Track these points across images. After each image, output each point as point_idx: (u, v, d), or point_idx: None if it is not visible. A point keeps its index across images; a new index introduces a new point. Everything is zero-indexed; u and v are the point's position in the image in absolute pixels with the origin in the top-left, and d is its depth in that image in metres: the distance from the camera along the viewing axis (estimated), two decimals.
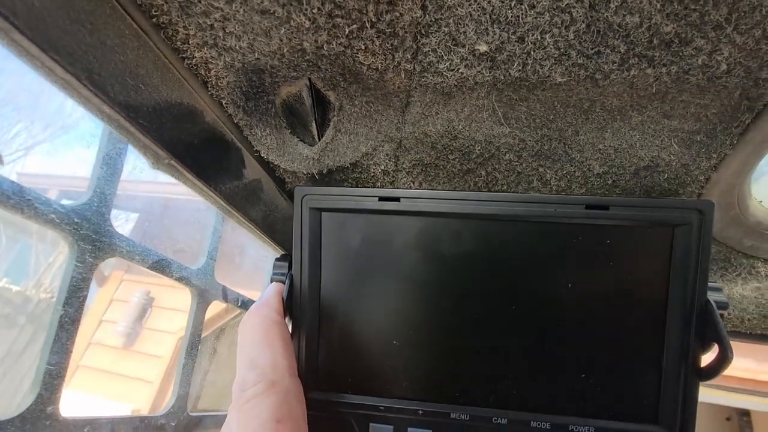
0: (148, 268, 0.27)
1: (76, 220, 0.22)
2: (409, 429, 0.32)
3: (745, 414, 3.82)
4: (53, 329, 0.19)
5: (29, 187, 0.20)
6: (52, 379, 0.20)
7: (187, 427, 0.31)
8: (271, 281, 0.33)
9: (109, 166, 0.24)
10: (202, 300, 0.31)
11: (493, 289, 0.32)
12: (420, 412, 0.32)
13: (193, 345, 0.30)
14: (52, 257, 4.75)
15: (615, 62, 0.22)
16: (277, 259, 0.34)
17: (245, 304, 0.42)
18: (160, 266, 0.28)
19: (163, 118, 0.24)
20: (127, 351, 3.02)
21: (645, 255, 0.29)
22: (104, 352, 2.95)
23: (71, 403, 2.80)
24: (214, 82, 0.26)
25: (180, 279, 0.30)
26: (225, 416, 0.41)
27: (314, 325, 0.33)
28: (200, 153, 0.28)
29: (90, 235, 0.23)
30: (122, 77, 0.20)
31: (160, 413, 0.27)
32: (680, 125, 0.26)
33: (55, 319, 0.20)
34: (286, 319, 0.32)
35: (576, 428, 0.31)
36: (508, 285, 0.32)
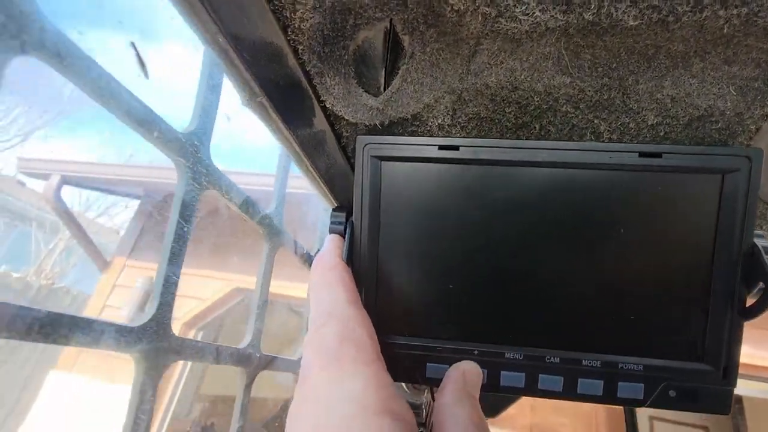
0: (238, 207, 0.28)
1: (195, 143, 0.23)
2: None
3: (737, 401, 3.92)
4: (169, 242, 0.21)
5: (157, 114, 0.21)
6: (170, 286, 0.21)
7: (265, 361, 0.32)
8: (329, 230, 0.35)
9: (212, 95, 0.25)
10: (273, 246, 0.33)
11: (547, 234, 0.33)
12: (475, 352, 0.33)
13: (264, 290, 0.32)
14: (53, 243, 4.74)
15: (689, 3, 0.24)
16: (334, 209, 0.36)
17: (310, 259, 0.43)
18: (246, 206, 0.29)
19: (260, 54, 0.25)
20: None
21: (695, 200, 0.30)
22: None
23: (75, 387, 2.80)
24: (296, 25, 0.27)
25: (261, 221, 0.31)
26: (289, 360, 0.43)
27: (373, 270, 0.34)
28: (284, 96, 0.29)
29: (200, 161, 0.24)
30: (233, 7, 0.22)
31: (242, 345, 0.29)
32: (740, 71, 0.28)
33: (171, 233, 0.21)
34: (349, 263, 0.33)
35: (625, 366, 0.33)
36: (561, 230, 0.33)
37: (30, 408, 2.78)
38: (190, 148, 0.22)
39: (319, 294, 0.27)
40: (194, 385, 3.08)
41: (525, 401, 3.49)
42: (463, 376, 0.27)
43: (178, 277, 0.22)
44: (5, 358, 3.44)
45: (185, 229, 0.22)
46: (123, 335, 0.19)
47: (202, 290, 2.97)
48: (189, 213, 0.22)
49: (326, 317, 0.25)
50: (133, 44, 0.20)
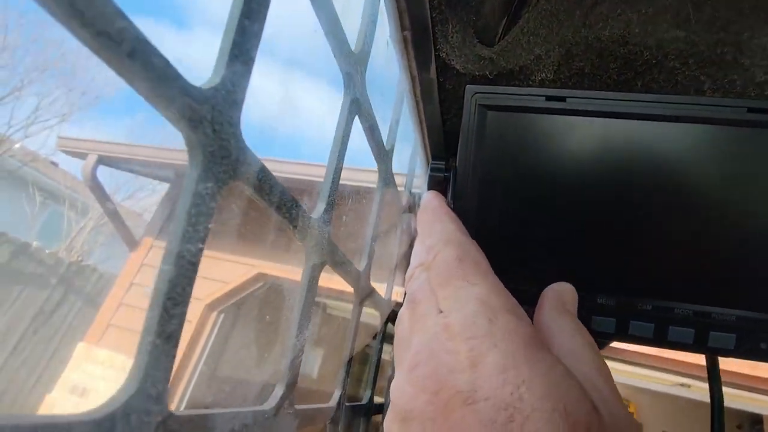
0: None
1: (361, 63, 0.24)
2: None
3: (757, 422, 3.80)
4: (338, 142, 0.23)
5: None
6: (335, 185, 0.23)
7: (370, 290, 0.34)
8: (429, 177, 0.36)
9: (374, 20, 0.27)
10: (386, 182, 0.34)
11: (651, 186, 0.34)
12: None
13: (376, 229, 0.34)
14: (83, 223, 4.91)
15: None
16: (434, 159, 0.38)
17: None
18: (380, 141, 0.30)
19: None
20: None
21: None
22: (134, 313, 3.05)
23: (101, 359, 2.88)
24: None
25: (382, 158, 0.32)
26: (381, 299, 0.45)
27: (473, 217, 0.36)
28: (419, 36, 0.31)
29: (360, 86, 0.26)
30: None
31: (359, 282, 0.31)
32: None
33: (338, 136, 0.23)
34: (453, 206, 0.35)
35: (718, 315, 0.33)
36: (666, 183, 0.34)
37: (59, 376, 2.89)
38: (362, 64, 0.25)
39: (433, 227, 0.29)
40: (211, 366, 3.14)
41: None
42: (559, 295, 0.28)
43: (340, 172, 0.24)
44: (36, 328, 3.57)
45: (350, 131, 0.24)
46: (314, 221, 0.22)
47: (227, 274, 3.03)
48: (354, 115, 0.24)
49: (443, 244, 0.26)
50: None
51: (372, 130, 0.30)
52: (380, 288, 0.49)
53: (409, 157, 0.44)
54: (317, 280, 0.22)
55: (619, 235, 0.35)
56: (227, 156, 0.13)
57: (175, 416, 0.13)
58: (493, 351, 0.18)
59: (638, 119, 0.34)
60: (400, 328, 0.25)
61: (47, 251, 4.00)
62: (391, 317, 0.47)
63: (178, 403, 2.85)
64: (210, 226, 0.13)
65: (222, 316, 3.18)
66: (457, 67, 0.38)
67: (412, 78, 0.33)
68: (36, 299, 3.74)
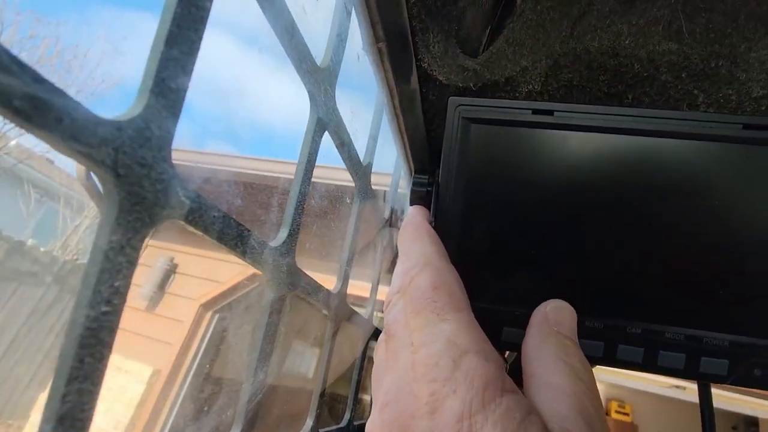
0: (346, 154, 0.27)
1: (331, 76, 0.22)
2: None
3: (753, 423, 3.81)
4: (303, 161, 0.21)
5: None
6: (299, 208, 0.21)
7: (350, 312, 0.33)
8: (411, 191, 0.35)
9: (345, 32, 0.24)
10: (363, 197, 0.32)
11: (642, 205, 0.33)
12: None
13: (354, 239, 0.32)
14: (79, 220, 4.88)
15: None
16: (417, 172, 0.36)
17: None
18: (354, 155, 0.29)
19: (385, 0, 0.26)
20: (149, 314, 3.11)
21: None
22: (128, 313, 3.03)
23: None
24: None
25: (361, 174, 0.30)
26: (363, 319, 0.44)
27: (456, 233, 0.35)
28: (396, 47, 0.30)
29: (331, 93, 0.24)
30: None
31: (335, 292, 0.30)
32: None
33: (305, 153, 0.21)
34: (434, 223, 0.34)
35: (710, 341, 0.32)
36: (657, 202, 0.33)
37: (52, 376, 2.87)
38: (327, 81, 0.23)
39: (412, 247, 0.28)
40: (205, 367, 3.13)
41: None
42: (546, 317, 0.27)
43: (304, 202, 0.23)
44: (31, 327, 3.56)
45: (315, 156, 0.23)
46: (275, 250, 0.20)
47: (221, 274, 3.02)
48: (318, 140, 0.23)
49: (420, 268, 0.25)
50: None
51: (345, 146, 0.29)
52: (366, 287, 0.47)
53: (393, 170, 0.43)
54: (279, 313, 0.21)
55: (608, 255, 0.33)
56: (139, 202, 0.11)
57: None
58: (452, 397, 0.18)
59: (628, 134, 0.32)
60: (376, 360, 0.25)
61: (42, 249, 3.98)
62: (375, 335, 0.45)
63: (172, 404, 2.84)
64: (121, 283, 0.11)
65: (217, 316, 3.17)
66: (440, 78, 0.36)
67: (391, 90, 0.32)
68: (31, 297, 3.72)
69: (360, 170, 0.31)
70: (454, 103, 0.34)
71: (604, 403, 3.74)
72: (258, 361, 0.20)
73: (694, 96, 0.35)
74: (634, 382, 3.08)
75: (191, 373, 2.98)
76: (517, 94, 0.38)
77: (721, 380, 0.32)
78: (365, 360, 0.42)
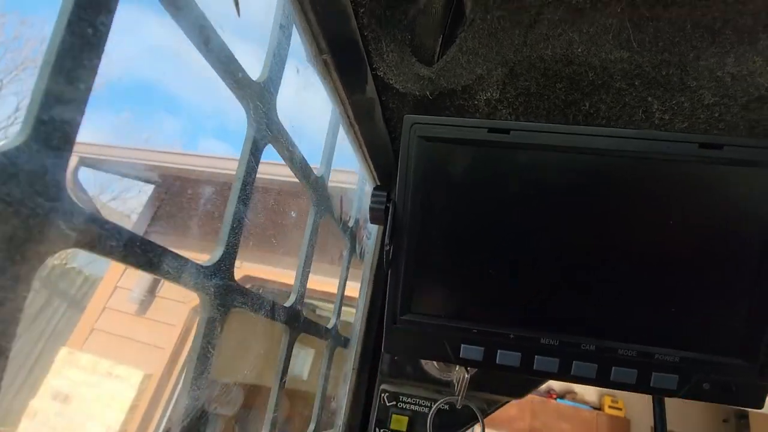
0: (295, 165, 0.27)
1: (271, 90, 0.22)
2: (499, 351, 0.33)
3: (743, 416, 3.86)
4: (240, 177, 0.21)
5: None
6: (237, 227, 0.21)
7: (307, 324, 0.33)
8: (370, 209, 0.34)
9: (285, 45, 0.24)
10: (320, 211, 0.32)
11: (594, 222, 0.33)
12: (511, 336, 0.33)
13: (309, 251, 0.32)
14: None
15: None
16: (375, 189, 0.36)
17: (347, 229, 0.42)
18: (302, 166, 0.28)
19: (330, 10, 0.25)
20: (140, 318, 3.08)
21: (752, 195, 0.30)
22: (118, 317, 3.00)
23: (83, 364, 2.84)
24: None
25: (313, 184, 0.30)
26: (324, 327, 0.44)
27: (414, 251, 0.34)
28: (345, 57, 0.29)
29: (271, 109, 0.24)
30: None
31: (288, 304, 0.29)
32: None
33: (241, 170, 0.21)
34: (390, 242, 0.33)
35: (661, 356, 0.32)
36: (609, 219, 0.33)
37: (42, 381, 2.84)
38: (264, 95, 0.22)
39: None
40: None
41: (525, 406, 3.47)
42: None
43: (244, 221, 0.22)
44: (20, 333, 3.51)
45: (253, 175, 0.22)
46: (200, 271, 0.19)
47: None
48: (258, 153, 0.23)
49: None
50: None
51: (294, 160, 0.28)
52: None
53: (357, 181, 0.42)
54: (211, 336, 0.20)
55: (563, 273, 0.33)
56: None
57: None
58: None
59: (584, 154, 0.32)
60: None
61: None
62: (343, 344, 0.45)
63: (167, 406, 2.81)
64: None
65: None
66: (397, 86, 0.36)
67: (343, 101, 0.31)
68: None
69: (312, 182, 0.31)
70: (409, 122, 0.33)
71: (598, 399, 3.77)
72: (192, 381, 0.20)
73: (648, 103, 0.35)
74: None
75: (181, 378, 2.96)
76: (476, 101, 0.38)
77: (672, 394, 0.32)
78: (329, 369, 0.42)
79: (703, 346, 0.32)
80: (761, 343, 0.31)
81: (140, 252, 0.16)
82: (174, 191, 3.33)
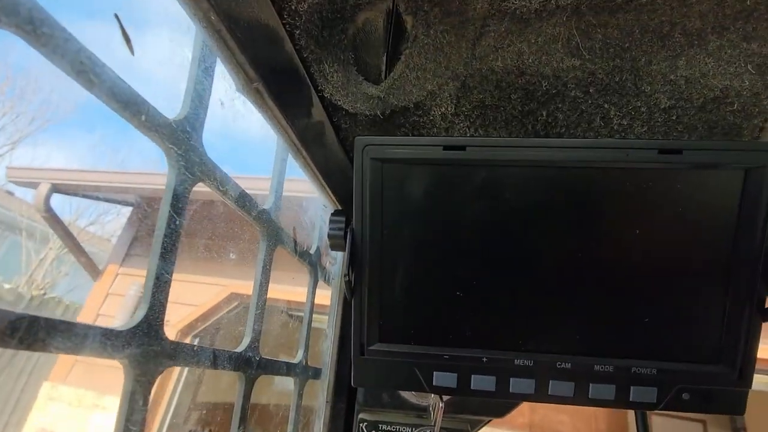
0: (234, 201, 0.26)
1: (188, 129, 0.20)
2: (473, 376, 0.32)
3: None
4: (160, 236, 0.19)
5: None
6: (162, 285, 0.19)
7: (264, 364, 0.31)
8: (328, 236, 0.33)
9: (205, 80, 0.22)
10: (270, 244, 0.31)
11: (559, 237, 0.32)
12: (484, 359, 0.32)
13: (263, 290, 0.30)
14: (43, 253, 4.66)
15: None
16: (333, 214, 0.34)
17: (309, 258, 0.41)
18: (243, 200, 0.27)
19: (255, 37, 0.24)
20: None
21: (716, 198, 0.29)
22: None
23: (68, 398, 2.75)
24: (293, 8, 0.26)
25: (258, 217, 0.29)
26: (290, 363, 0.41)
27: (377, 278, 0.33)
28: (281, 83, 0.28)
29: (193, 149, 0.22)
30: None
31: (240, 349, 0.27)
32: (759, 49, 0.27)
33: (161, 227, 0.19)
34: (350, 272, 0.32)
35: (639, 370, 0.31)
36: (573, 233, 0.32)
37: (26, 419, 2.73)
38: (182, 135, 0.20)
39: None
40: (191, 391, 3.03)
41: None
42: None
43: (171, 276, 0.20)
44: (1, 369, 3.37)
45: (177, 222, 0.20)
46: (110, 339, 0.17)
47: (197, 296, 2.93)
48: (181, 205, 0.21)
49: None
50: (116, 16, 0.18)
51: (234, 196, 0.26)
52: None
53: (318, 207, 0.40)
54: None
55: (531, 291, 0.32)
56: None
57: None
58: None
59: (543, 167, 0.31)
60: None
61: (6, 286, 3.79)
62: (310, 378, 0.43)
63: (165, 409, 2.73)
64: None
65: (197, 341, 3.07)
66: (346, 107, 0.34)
67: (284, 127, 0.30)
68: None
69: (256, 216, 0.29)
70: (361, 144, 0.31)
71: None
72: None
73: (605, 110, 0.34)
74: None
75: (173, 403, 2.88)
76: (431, 117, 0.36)
77: (652, 407, 0.31)
78: (299, 414, 0.40)
79: (680, 356, 0.31)
80: (738, 346, 0.30)
81: (25, 327, 0.13)
82: (153, 212, 3.25)
